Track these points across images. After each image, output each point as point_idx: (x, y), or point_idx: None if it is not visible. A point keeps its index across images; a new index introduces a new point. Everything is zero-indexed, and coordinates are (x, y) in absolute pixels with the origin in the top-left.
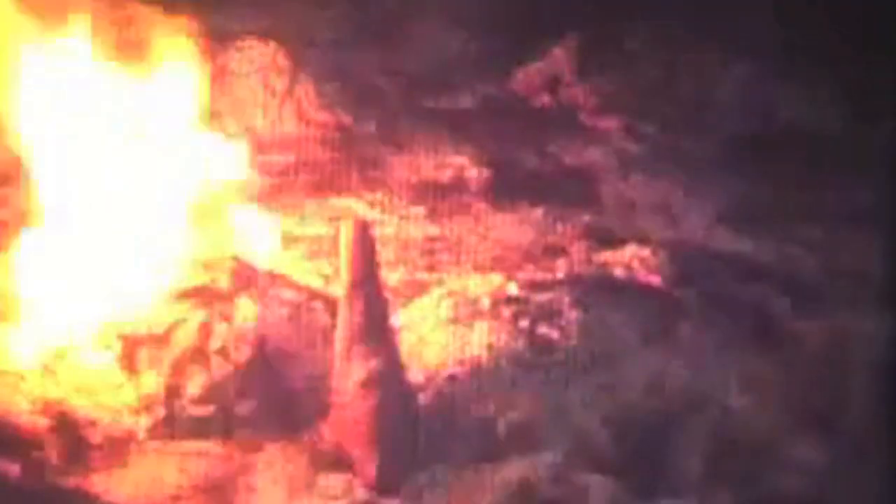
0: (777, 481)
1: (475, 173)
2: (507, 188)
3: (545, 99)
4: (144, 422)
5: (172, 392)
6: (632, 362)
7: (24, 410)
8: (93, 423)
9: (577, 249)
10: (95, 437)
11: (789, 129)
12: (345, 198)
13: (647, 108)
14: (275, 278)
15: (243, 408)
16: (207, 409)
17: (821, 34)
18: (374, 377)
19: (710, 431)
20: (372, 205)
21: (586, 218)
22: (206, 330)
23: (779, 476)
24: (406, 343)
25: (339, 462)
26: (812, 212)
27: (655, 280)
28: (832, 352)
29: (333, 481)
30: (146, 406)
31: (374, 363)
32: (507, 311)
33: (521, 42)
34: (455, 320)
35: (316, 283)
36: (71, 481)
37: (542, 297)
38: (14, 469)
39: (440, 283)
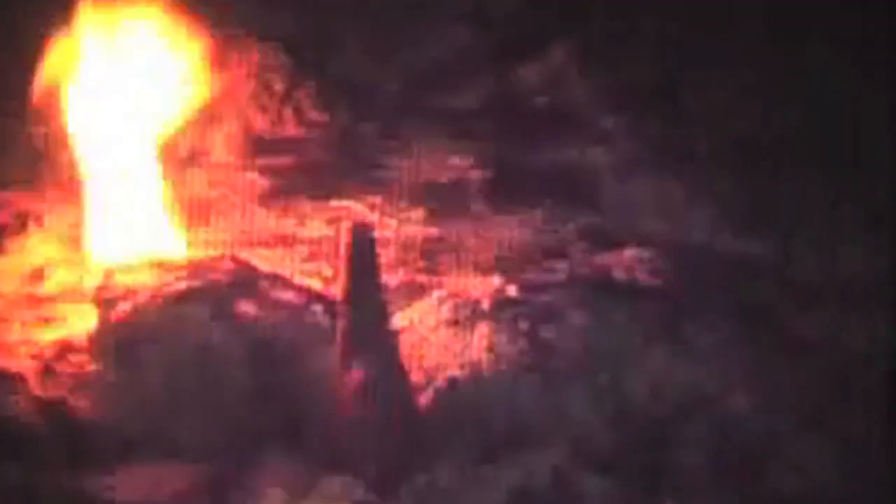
0: (780, 482)
1: (475, 174)
2: (507, 189)
3: (546, 98)
4: (144, 422)
5: (172, 392)
6: (634, 364)
7: (23, 411)
8: (94, 424)
9: (578, 251)
10: (97, 438)
11: (793, 129)
12: (345, 199)
13: (648, 108)
14: (275, 280)
15: (242, 408)
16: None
17: (823, 33)
18: (373, 379)
19: (713, 433)
20: (372, 206)
21: (587, 219)
22: (205, 330)
23: (782, 477)
24: (406, 345)
25: (339, 464)
26: (815, 212)
27: (657, 281)
28: (835, 353)
29: (333, 483)
30: (146, 406)
31: (373, 365)
32: (507, 313)
33: (523, 40)
34: (455, 322)
35: (316, 284)
36: (72, 482)
37: (542, 298)
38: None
39: (440, 285)
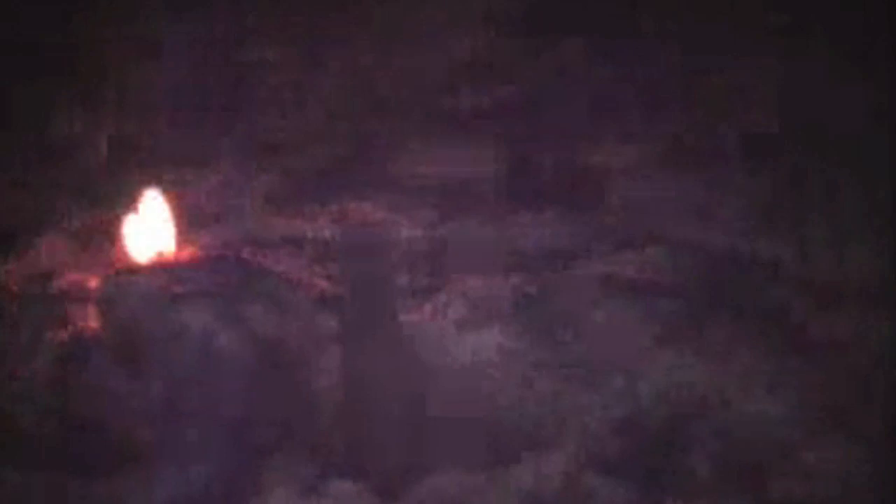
0: (792, 486)
1: (487, 174)
2: (520, 188)
3: (557, 97)
4: (151, 427)
5: (177, 395)
6: (648, 365)
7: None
8: (103, 428)
9: (592, 251)
10: (105, 442)
11: (810, 127)
12: (354, 199)
13: (663, 106)
14: (282, 280)
15: (251, 411)
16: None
17: (843, 28)
18: (381, 380)
19: (726, 437)
20: (381, 206)
21: (601, 218)
22: (211, 332)
23: (794, 480)
24: (416, 345)
25: (347, 466)
26: (833, 211)
27: (671, 282)
28: (852, 354)
29: (342, 485)
30: (153, 409)
31: (382, 366)
32: (519, 313)
33: (534, 39)
34: (465, 322)
35: (323, 284)
36: (76, 485)
37: (556, 299)
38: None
39: (451, 284)
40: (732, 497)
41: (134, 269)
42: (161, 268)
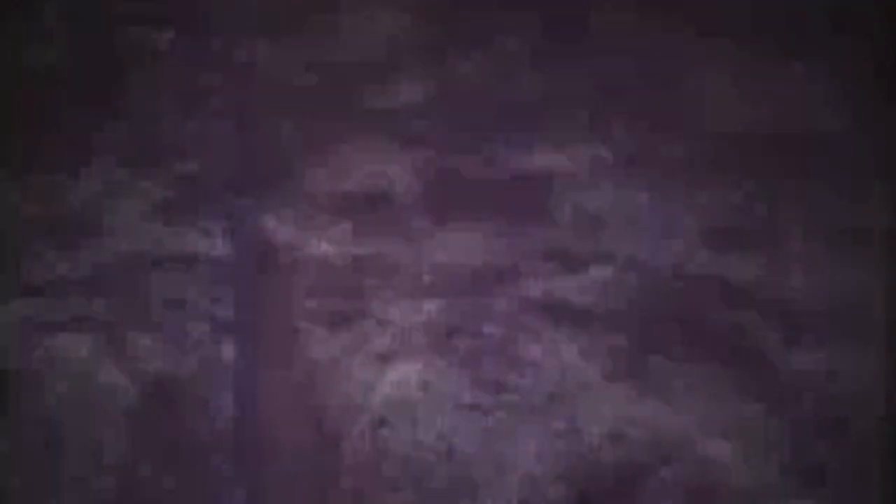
0: None
1: (410, 183)
2: (447, 200)
3: (495, 96)
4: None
5: (51, 439)
6: (593, 404)
7: None
8: None
9: (532, 272)
10: None
11: (781, 130)
12: (255, 211)
13: (615, 105)
14: (172, 304)
15: (136, 455)
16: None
17: (815, 19)
18: (286, 420)
19: (685, 484)
20: (287, 220)
21: (541, 235)
22: (90, 368)
23: None
24: (326, 381)
25: None
26: (808, 227)
27: (622, 307)
28: (830, 394)
29: None
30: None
31: (284, 406)
32: (446, 345)
33: (468, 27)
34: (385, 355)
35: (221, 312)
36: None
37: (488, 328)
38: None
39: (368, 311)
40: None
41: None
42: (31, 291)
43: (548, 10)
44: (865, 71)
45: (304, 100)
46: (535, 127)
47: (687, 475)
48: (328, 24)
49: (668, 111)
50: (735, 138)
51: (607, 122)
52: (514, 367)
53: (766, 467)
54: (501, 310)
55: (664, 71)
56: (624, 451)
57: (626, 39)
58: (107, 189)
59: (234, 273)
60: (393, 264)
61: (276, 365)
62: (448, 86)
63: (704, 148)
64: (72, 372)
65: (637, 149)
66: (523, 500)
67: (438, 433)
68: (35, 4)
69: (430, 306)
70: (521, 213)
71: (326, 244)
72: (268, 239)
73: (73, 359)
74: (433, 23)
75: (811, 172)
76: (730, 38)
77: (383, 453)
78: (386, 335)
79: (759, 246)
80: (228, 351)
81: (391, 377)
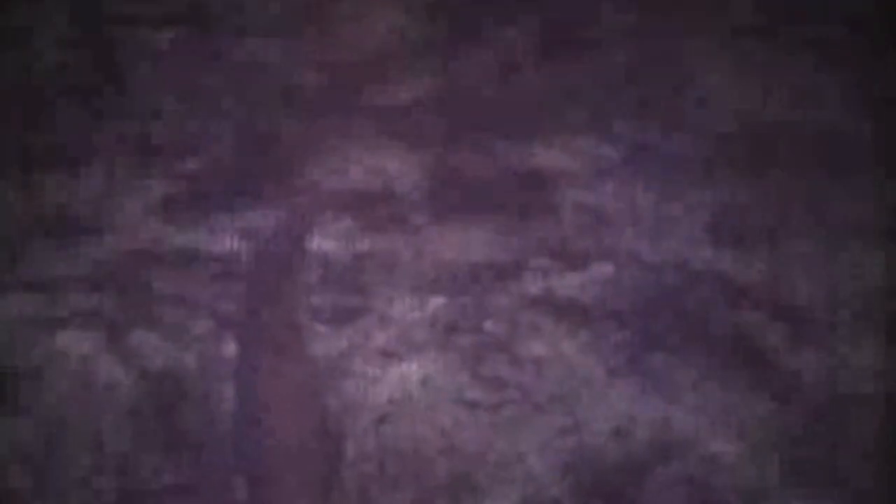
0: None
1: (413, 180)
2: (449, 197)
3: (497, 93)
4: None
5: (54, 435)
6: (596, 401)
7: None
8: None
9: (533, 269)
10: None
11: (783, 129)
12: (260, 209)
13: (617, 103)
14: (176, 301)
15: (138, 453)
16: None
17: (817, 17)
18: (288, 418)
19: (688, 483)
20: (292, 217)
21: (543, 232)
22: (93, 365)
23: None
24: (328, 378)
25: None
26: (810, 225)
27: (623, 304)
28: (832, 390)
29: None
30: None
31: (289, 402)
32: (448, 342)
33: (470, 25)
34: (387, 352)
35: (226, 308)
36: None
37: (490, 324)
38: None
39: (370, 308)
40: None
41: (1, 289)
42: (33, 288)
43: (549, 7)
44: (868, 70)
45: (306, 97)
46: (536, 124)
47: (689, 472)
48: (330, 21)
49: (670, 109)
50: (737, 136)
51: (609, 120)
52: (515, 364)
53: (767, 465)
54: (503, 307)
55: (666, 69)
56: (626, 449)
57: (627, 36)
58: (108, 187)
59: (235, 270)
60: (395, 261)
61: (278, 362)
62: (450, 83)
63: (707, 146)
64: (73, 369)
65: (639, 146)
66: (525, 496)
67: (440, 430)
68: (36, 4)
69: (432, 303)
70: (523, 209)
71: (328, 241)
72: (269, 236)
73: (75, 356)
74: (435, 20)
75: (813, 171)
76: (731, 36)
77: (385, 450)
78: (388, 332)
79: (760, 244)
80: (230, 348)
81: (393, 374)
